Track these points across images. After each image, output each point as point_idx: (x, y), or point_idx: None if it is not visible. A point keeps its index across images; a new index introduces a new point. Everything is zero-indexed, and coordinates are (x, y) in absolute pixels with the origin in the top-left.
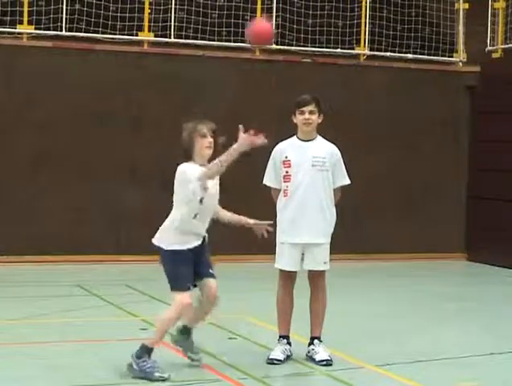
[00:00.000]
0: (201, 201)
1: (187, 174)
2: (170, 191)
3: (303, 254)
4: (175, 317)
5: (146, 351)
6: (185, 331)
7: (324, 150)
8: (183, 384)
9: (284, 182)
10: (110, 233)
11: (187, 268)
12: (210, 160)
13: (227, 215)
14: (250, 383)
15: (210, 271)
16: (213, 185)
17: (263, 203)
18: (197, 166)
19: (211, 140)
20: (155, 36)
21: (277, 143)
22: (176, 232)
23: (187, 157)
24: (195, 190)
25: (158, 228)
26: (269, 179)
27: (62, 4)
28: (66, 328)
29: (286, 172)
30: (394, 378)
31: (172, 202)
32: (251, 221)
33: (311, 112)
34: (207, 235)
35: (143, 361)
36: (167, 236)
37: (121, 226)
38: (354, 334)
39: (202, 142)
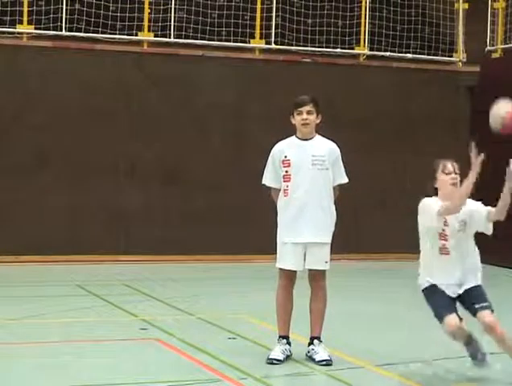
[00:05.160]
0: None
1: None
2: (169, 191)
3: (304, 254)
4: None
5: None
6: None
7: (324, 149)
8: (183, 384)
9: (284, 181)
10: (110, 233)
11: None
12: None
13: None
14: (250, 383)
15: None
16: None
17: (263, 203)
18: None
19: (455, 176)
20: (155, 36)
21: (275, 143)
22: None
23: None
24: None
25: (157, 228)
26: (268, 179)
27: (62, 4)
28: (66, 328)
29: (286, 172)
30: (394, 378)
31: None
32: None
33: (309, 112)
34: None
35: None
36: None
37: (121, 226)
38: (354, 334)
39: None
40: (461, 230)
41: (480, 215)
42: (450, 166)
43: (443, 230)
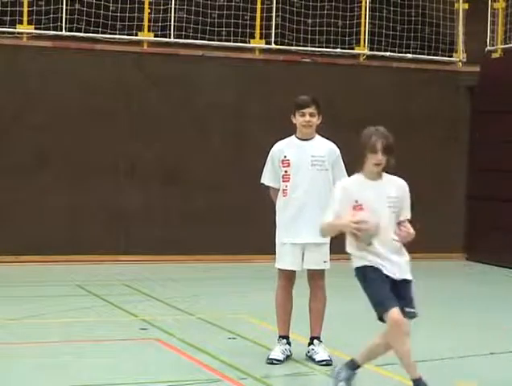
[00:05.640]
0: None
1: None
2: (169, 191)
3: (303, 254)
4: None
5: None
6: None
7: (323, 149)
8: (184, 384)
9: (283, 181)
10: (110, 233)
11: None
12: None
13: None
14: (250, 383)
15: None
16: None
17: (263, 203)
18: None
19: (381, 158)
20: (155, 36)
21: (275, 143)
22: None
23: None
24: None
25: (157, 228)
26: (267, 178)
27: (62, 4)
28: (66, 328)
29: (285, 172)
30: (394, 378)
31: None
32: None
33: (311, 115)
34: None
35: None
36: None
37: (121, 226)
38: (354, 334)
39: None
40: (390, 207)
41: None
42: (379, 144)
43: (360, 204)
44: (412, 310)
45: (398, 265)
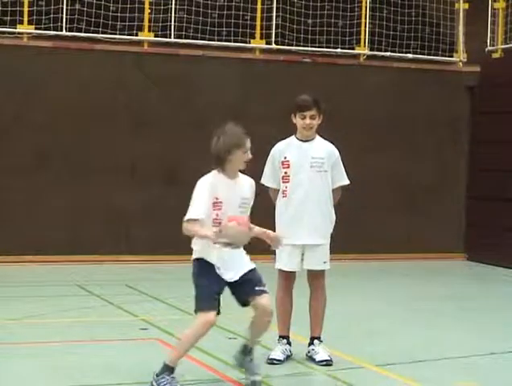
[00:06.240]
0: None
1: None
2: (169, 191)
3: (302, 254)
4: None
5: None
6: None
7: (323, 151)
8: (184, 384)
9: (283, 182)
10: (110, 233)
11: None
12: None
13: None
14: None
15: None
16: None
17: (261, 203)
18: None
19: (250, 157)
20: (155, 36)
21: (275, 143)
22: None
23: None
24: None
25: (157, 228)
26: (267, 179)
27: (62, 4)
28: (66, 328)
29: (285, 173)
30: (394, 378)
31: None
32: (271, 233)
33: (312, 117)
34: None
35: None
36: None
37: (121, 226)
38: (354, 334)
39: (242, 157)
40: (241, 207)
41: None
42: (249, 142)
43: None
44: (262, 288)
45: (236, 266)
